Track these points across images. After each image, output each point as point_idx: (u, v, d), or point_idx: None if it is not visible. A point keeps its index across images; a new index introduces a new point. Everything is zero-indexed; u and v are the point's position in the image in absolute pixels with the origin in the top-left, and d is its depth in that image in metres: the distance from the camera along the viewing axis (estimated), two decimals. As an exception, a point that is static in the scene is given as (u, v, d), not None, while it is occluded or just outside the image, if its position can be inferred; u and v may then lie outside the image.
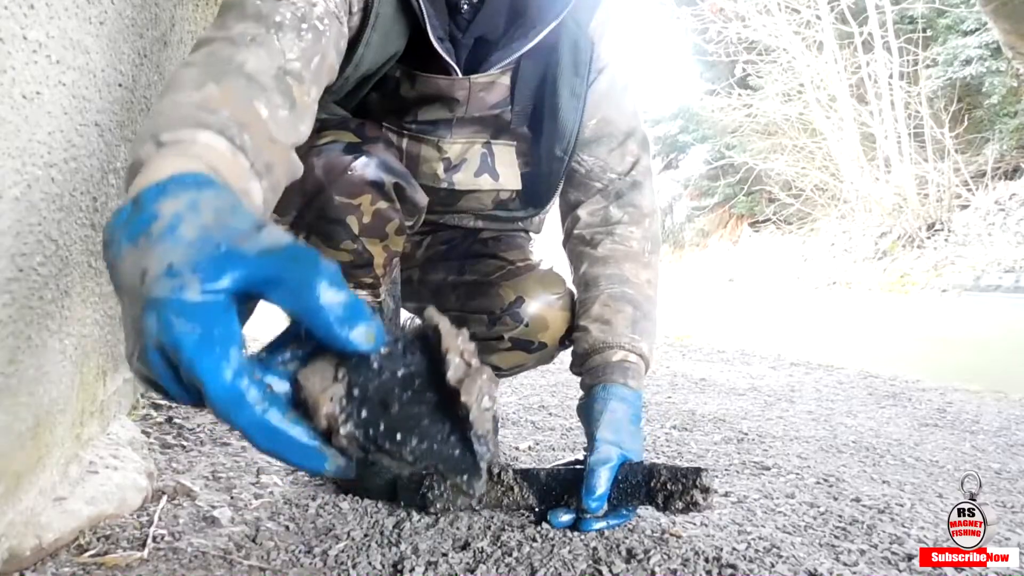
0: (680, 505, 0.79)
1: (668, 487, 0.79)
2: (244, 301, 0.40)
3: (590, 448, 0.89)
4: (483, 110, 0.98)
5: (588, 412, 0.94)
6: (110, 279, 0.43)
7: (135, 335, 0.39)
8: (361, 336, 0.39)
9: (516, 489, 0.87)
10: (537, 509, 0.88)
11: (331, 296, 0.38)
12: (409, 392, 0.41)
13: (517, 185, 1.06)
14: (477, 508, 0.86)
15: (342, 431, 0.39)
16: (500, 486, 0.87)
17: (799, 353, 2.92)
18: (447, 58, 0.89)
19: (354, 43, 0.84)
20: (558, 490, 0.86)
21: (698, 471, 0.78)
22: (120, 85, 0.94)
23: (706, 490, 0.78)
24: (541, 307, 1.04)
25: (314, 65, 0.70)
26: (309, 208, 0.89)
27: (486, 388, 0.41)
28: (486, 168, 1.03)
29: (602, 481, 0.84)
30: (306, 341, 0.41)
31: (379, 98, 0.97)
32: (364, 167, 0.87)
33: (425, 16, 0.85)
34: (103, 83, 0.86)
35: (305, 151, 0.88)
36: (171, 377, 0.39)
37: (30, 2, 0.63)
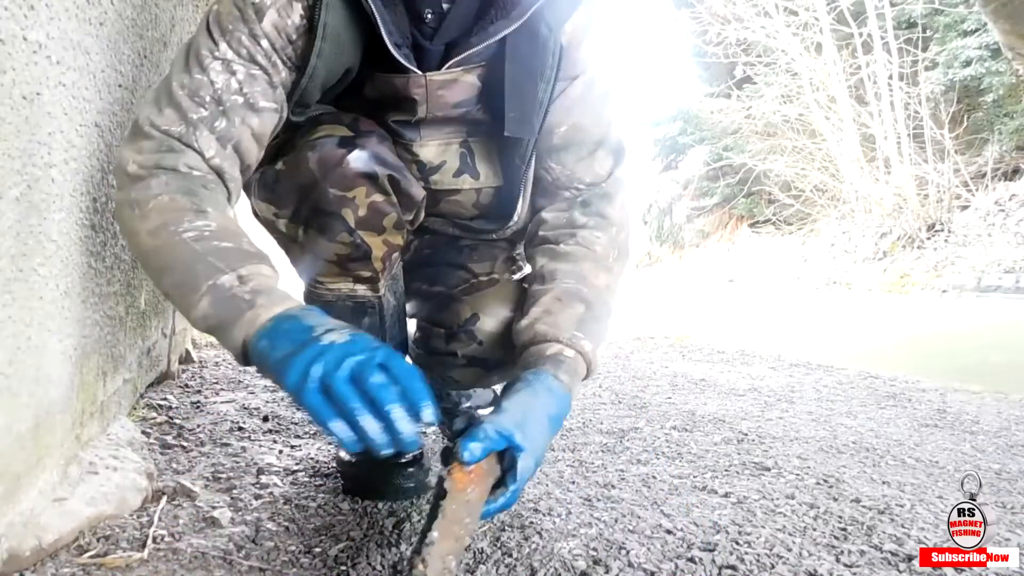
0: None
1: None
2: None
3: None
4: (446, 109, 0.95)
5: (502, 393, 0.84)
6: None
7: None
8: None
9: None
10: None
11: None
12: None
13: (499, 181, 1.02)
14: None
15: None
16: None
17: (799, 353, 2.91)
18: (399, 57, 0.86)
19: (305, 57, 0.83)
20: None
21: None
22: (120, 86, 0.94)
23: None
24: (496, 325, 1.01)
25: (231, 147, 0.82)
26: (305, 202, 0.90)
27: None
28: (466, 168, 1.01)
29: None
30: None
31: (349, 103, 0.96)
32: (357, 160, 0.88)
33: (379, 20, 0.83)
34: (103, 84, 0.87)
35: (300, 146, 0.89)
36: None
37: (30, 3, 0.63)
